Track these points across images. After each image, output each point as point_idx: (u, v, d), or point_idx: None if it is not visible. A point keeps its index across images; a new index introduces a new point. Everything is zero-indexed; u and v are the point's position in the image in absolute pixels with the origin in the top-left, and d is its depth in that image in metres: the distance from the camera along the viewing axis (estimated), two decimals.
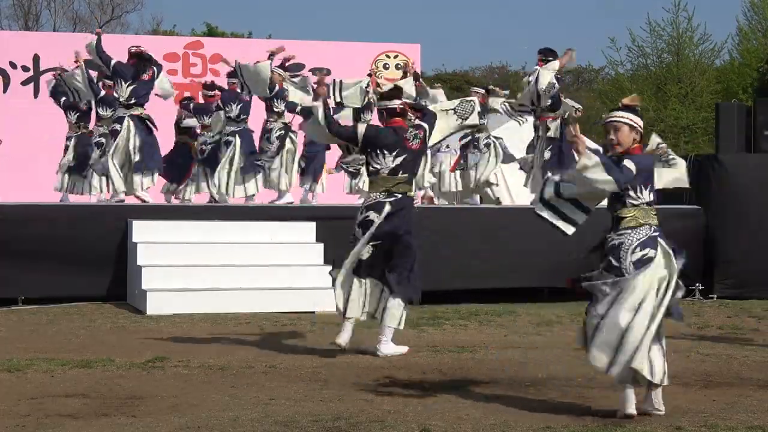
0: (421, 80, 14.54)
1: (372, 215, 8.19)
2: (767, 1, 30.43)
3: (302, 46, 21.42)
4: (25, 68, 19.99)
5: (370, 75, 14.71)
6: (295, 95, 13.74)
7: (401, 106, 8.47)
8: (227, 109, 14.15)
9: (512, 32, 71.90)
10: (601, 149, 6.47)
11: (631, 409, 5.98)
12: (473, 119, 8.91)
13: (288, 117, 14.24)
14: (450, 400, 6.46)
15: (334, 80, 12.51)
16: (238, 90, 14.18)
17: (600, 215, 6.32)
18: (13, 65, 19.97)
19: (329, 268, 11.52)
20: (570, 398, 6.56)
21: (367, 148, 8.35)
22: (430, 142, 8.76)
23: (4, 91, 19.42)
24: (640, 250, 6.04)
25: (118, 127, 13.04)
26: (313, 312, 10.93)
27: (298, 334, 9.54)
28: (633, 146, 6.16)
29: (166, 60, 20.07)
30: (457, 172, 15.71)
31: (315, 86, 13.25)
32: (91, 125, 15.13)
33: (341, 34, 75.78)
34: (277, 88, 14.05)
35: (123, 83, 13.04)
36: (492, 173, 15.02)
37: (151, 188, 13.40)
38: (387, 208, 8.18)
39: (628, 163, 6.03)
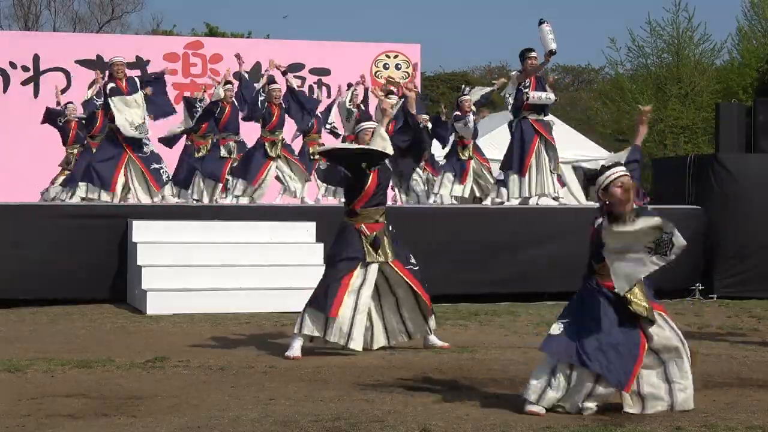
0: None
1: None
2: (767, 1, 30.41)
3: (302, 46, 21.47)
4: (25, 68, 20.02)
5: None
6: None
7: None
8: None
9: (512, 32, 71.89)
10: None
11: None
12: None
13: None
14: (450, 400, 6.45)
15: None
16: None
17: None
18: (13, 65, 19.99)
19: None
20: None
21: None
22: None
23: (4, 91, 19.45)
24: None
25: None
26: None
27: None
28: None
29: (166, 60, 20.10)
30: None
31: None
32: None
33: (341, 34, 75.80)
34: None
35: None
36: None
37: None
38: None
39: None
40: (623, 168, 6.21)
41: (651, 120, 29.26)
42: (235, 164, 14.49)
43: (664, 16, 36.94)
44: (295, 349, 8.25)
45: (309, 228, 12.05)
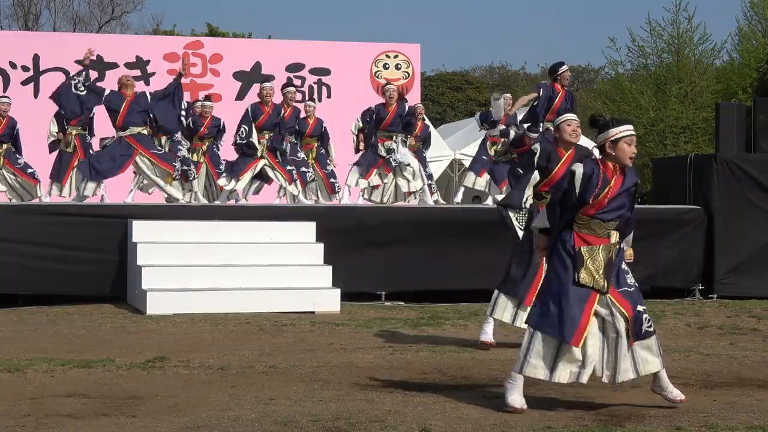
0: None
1: None
2: (767, 1, 30.39)
3: (302, 46, 21.44)
4: (25, 68, 19.98)
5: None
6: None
7: None
8: None
9: (512, 32, 71.93)
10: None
11: None
12: None
13: None
14: (450, 400, 6.46)
15: None
16: None
17: None
18: (13, 65, 19.96)
19: (329, 268, 11.60)
20: (570, 398, 6.56)
21: None
22: None
23: (4, 91, 19.40)
24: None
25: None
26: (313, 312, 10.93)
27: (298, 334, 9.55)
28: None
29: (166, 60, 20.08)
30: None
31: None
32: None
33: (341, 34, 75.83)
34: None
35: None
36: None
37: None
38: None
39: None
40: (631, 127, 6.31)
41: (651, 120, 29.34)
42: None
43: (664, 16, 36.86)
44: (488, 333, 8.68)
45: (309, 228, 12.04)
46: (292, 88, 14.57)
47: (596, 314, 6.19)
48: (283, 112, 14.01)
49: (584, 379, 6.16)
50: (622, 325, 6.17)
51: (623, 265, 6.32)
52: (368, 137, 14.52)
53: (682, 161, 14.35)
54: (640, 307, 6.24)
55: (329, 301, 11.12)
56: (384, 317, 10.73)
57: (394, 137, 14.50)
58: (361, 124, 14.86)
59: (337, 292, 11.28)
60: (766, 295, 12.89)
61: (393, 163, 14.30)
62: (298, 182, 14.20)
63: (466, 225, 12.72)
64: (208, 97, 16.09)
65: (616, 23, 71.09)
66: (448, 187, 22.28)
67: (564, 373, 6.13)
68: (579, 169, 6.21)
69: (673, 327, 10.47)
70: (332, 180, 15.60)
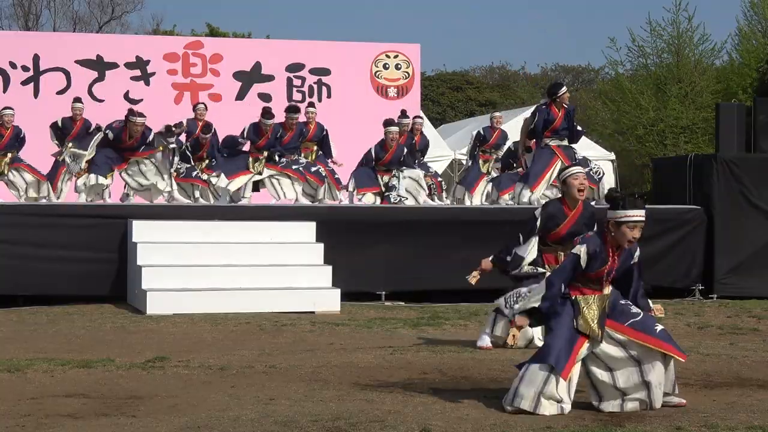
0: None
1: None
2: (767, 1, 30.38)
3: (302, 46, 21.42)
4: (25, 68, 19.96)
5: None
6: None
7: None
8: None
9: (512, 32, 71.95)
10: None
11: None
12: None
13: None
14: (450, 400, 6.45)
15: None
16: None
17: None
18: (13, 65, 19.94)
19: (329, 268, 11.62)
20: None
21: None
22: None
23: (4, 91, 19.40)
24: None
25: None
26: (313, 312, 10.94)
27: (298, 334, 9.55)
28: None
29: (166, 60, 20.07)
30: None
31: None
32: None
33: (341, 34, 75.85)
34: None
35: None
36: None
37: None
38: None
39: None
40: (641, 213, 6.20)
41: (651, 120, 29.36)
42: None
43: (664, 16, 36.82)
44: (485, 340, 8.75)
45: (309, 228, 12.04)
46: (295, 115, 14.37)
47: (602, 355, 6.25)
48: (282, 131, 14.01)
49: (566, 410, 6.16)
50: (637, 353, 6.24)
51: (620, 300, 6.35)
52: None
53: (682, 161, 14.35)
54: (658, 326, 6.33)
55: (329, 301, 11.13)
56: (384, 317, 10.73)
57: (394, 171, 14.54)
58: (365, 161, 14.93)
59: (337, 292, 11.28)
60: (766, 295, 12.90)
61: (392, 200, 14.28)
62: (300, 184, 14.17)
63: (466, 225, 12.73)
64: (207, 128, 15.66)
65: (616, 23, 71.12)
66: (448, 188, 22.30)
67: (549, 407, 6.12)
68: (582, 251, 6.18)
69: (673, 327, 10.46)
70: (336, 177, 15.59)
